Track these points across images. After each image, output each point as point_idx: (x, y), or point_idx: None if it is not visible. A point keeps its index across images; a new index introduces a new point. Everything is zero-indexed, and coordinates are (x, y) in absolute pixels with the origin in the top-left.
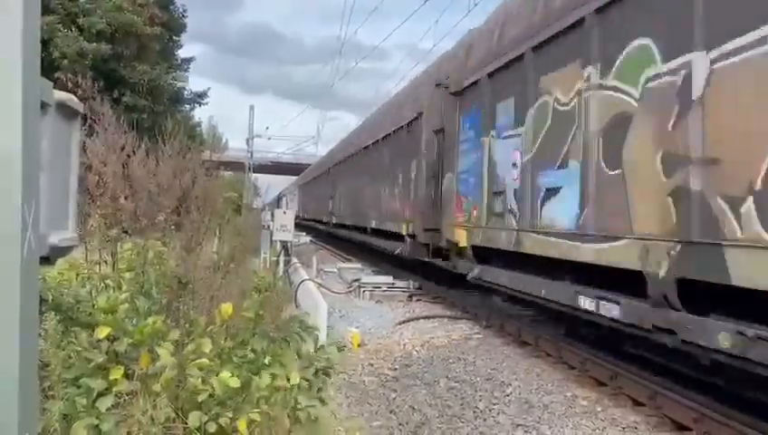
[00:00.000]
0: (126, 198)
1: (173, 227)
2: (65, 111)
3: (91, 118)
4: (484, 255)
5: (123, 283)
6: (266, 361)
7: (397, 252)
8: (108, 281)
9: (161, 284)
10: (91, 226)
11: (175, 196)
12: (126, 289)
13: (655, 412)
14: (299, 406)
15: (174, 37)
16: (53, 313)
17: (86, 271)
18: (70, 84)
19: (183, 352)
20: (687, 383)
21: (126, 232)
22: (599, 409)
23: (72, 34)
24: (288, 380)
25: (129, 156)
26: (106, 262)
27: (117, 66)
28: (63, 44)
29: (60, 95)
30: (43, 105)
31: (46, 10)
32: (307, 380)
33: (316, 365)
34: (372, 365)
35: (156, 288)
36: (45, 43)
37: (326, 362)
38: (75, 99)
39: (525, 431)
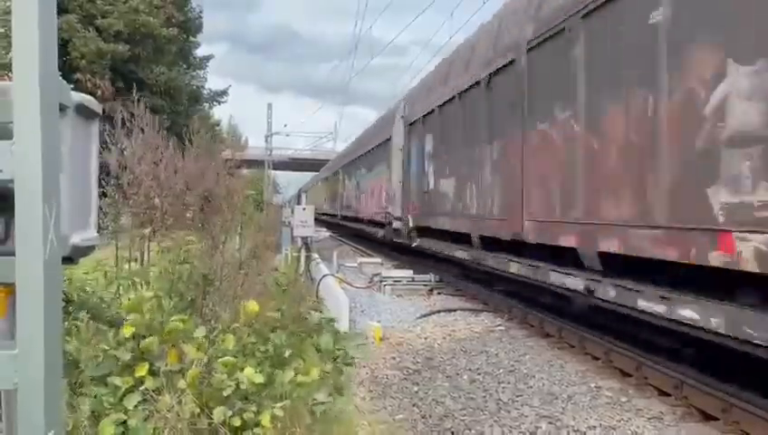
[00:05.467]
0: (155, 196)
1: (199, 224)
2: (84, 112)
3: (130, 118)
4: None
5: (151, 280)
6: (287, 354)
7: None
8: (136, 278)
9: (188, 281)
10: (122, 223)
11: (200, 194)
12: (153, 287)
13: (681, 402)
14: (318, 401)
15: (191, 37)
16: (86, 312)
17: (114, 268)
18: (89, 85)
19: (209, 349)
20: (714, 372)
21: (154, 231)
22: (623, 399)
23: (91, 35)
24: (309, 375)
25: (161, 155)
26: (136, 260)
27: (135, 67)
28: (82, 45)
29: (78, 96)
30: (62, 107)
31: (64, 9)
32: (327, 372)
33: (336, 358)
34: (395, 359)
35: (182, 285)
36: (64, 44)
37: (345, 355)
38: (94, 100)
39: (549, 423)
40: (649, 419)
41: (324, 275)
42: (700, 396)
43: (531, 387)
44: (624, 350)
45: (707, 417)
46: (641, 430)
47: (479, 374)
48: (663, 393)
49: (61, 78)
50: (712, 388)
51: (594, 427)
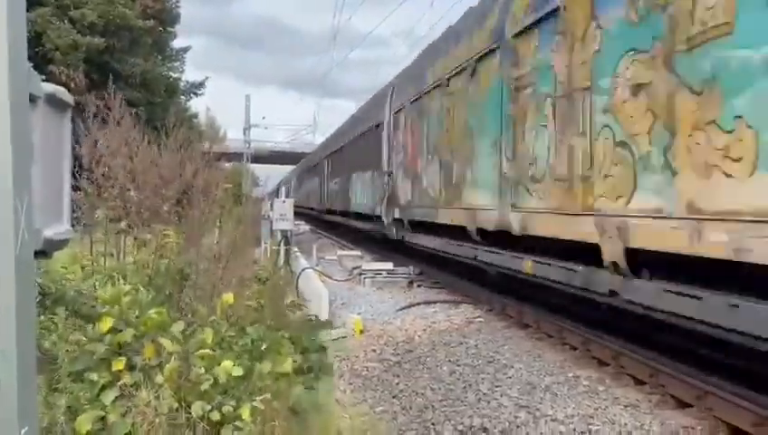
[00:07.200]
0: (130, 189)
1: (176, 218)
2: (56, 103)
3: (106, 110)
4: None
5: (128, 274)
6: (263, 347)
7: None
8: (113, 273)
9: (166, 275)
10: (97, 217)
11: (177, 188)
12: (130, 281)
13: (657, 390)
14: (297, 394)
15: (167, 28)
16: (63, 307)
17: (91, 263)
18: (63, 78)
19: (186, 343)
20: (689, 360)
21: (129, 226)
22: (600, 388)
23: (65, 27)
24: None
25: (136, 148)
26: (112, 254)
27: (110, 59)
28: (56, 37)
29: (49, 87)
30: (33, 98)
31: (38, 2)
32: (296, 361)
33: (308, 349)
34: (375, 351)
35: (159, 278)
36: (38, 36)
37: (317, 346)
38: (65, 91)
39: (528, 413)
40: (626, 406)
41: (304, 269)
42: (675, 384)
43: (510, 377)
44: (602, 340)
45: (682, 404)
46: (618, 418)
47: (459, 366)
48: (639, 382)
49: (31, 68)
50: (687, 375)
51: (572, 416)
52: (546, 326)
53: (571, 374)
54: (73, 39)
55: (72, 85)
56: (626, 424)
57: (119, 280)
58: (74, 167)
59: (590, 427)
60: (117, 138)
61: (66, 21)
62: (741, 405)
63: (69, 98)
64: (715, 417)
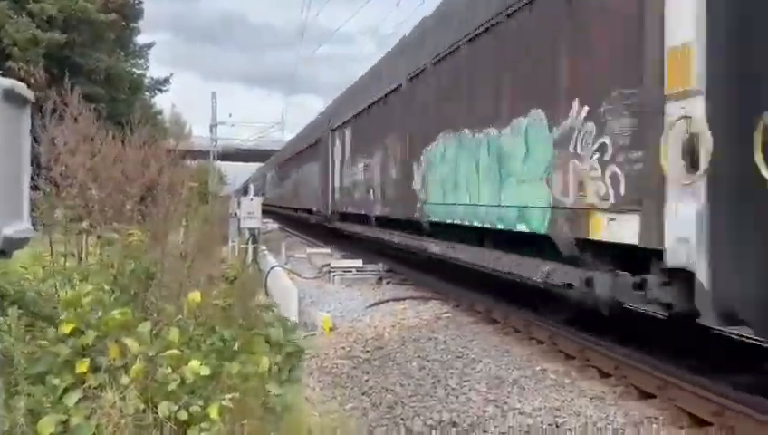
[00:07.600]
0: (91, 188)
1: (140, 216)
2: (14, 98)
3: (63, 105)
4: None
5: (90, 274)
6: (235, 347)
7: None
8: (74, 274)
9: (130, 275)
10: (57, 216)
11: (141, 186)
12: (93, 281)
13: (621, 382)
14: (269, 394)
15: (131, 24)
16: (17, 308)
17: (51, 264)
18: (22, 73)
19: (152, 343)
20: (652, 352)
21: (92, 225)
22: (567, 381)
23: (24, 21)
24: (258, 366)
25: (99, 144)
26: (73, 254)
27: (71, 54)
28: (14, 31)
29: (7, 82)
30: None
31: None
32: (277, 364)
33: (286, 350)
34: (344, 348)
35: (123, 278)
36: None
37: (295, 347)
38: (24, 86)
39: (496, 406)
40: (591, 399)
41: (273, 267)
42: (638, 375)
43: (478, 372)
44: (568, 334)
45: (645, 395)
46: (584, 410)
47: (428, 361)
48: (604, 374)
49: None
50: (650, 367)
51: (539, 408)
52: (514, 321)
53: (538, 368)
54: (33, 34)
55: (32, 81)
56: (591, 416)
57: (79, 281)
58: (32, 165)
59: (557, 419)
60: (75, 135)
61: (25, 15)
62: (701, 395)
63: (28, 93)
64: (676, 407)
